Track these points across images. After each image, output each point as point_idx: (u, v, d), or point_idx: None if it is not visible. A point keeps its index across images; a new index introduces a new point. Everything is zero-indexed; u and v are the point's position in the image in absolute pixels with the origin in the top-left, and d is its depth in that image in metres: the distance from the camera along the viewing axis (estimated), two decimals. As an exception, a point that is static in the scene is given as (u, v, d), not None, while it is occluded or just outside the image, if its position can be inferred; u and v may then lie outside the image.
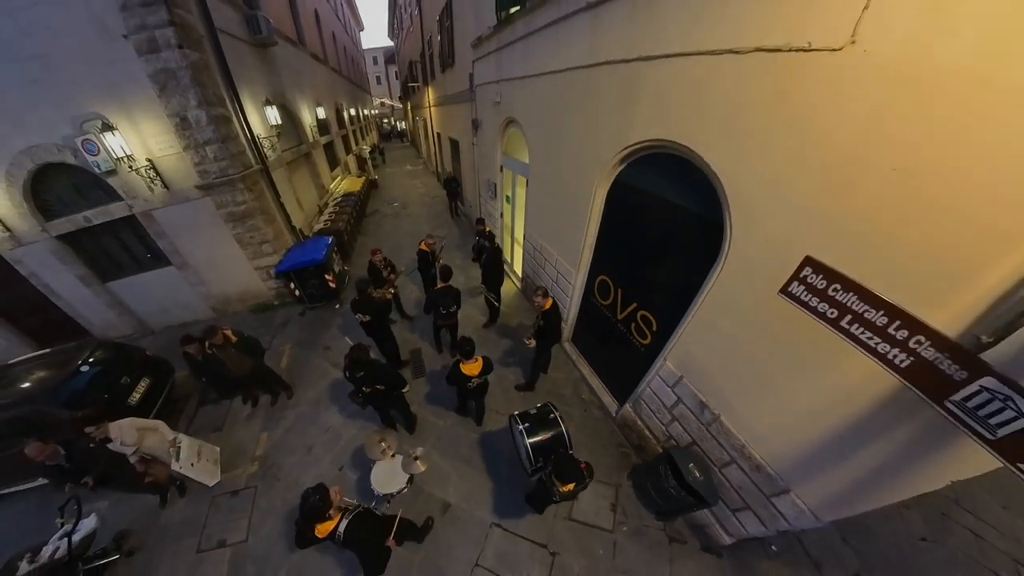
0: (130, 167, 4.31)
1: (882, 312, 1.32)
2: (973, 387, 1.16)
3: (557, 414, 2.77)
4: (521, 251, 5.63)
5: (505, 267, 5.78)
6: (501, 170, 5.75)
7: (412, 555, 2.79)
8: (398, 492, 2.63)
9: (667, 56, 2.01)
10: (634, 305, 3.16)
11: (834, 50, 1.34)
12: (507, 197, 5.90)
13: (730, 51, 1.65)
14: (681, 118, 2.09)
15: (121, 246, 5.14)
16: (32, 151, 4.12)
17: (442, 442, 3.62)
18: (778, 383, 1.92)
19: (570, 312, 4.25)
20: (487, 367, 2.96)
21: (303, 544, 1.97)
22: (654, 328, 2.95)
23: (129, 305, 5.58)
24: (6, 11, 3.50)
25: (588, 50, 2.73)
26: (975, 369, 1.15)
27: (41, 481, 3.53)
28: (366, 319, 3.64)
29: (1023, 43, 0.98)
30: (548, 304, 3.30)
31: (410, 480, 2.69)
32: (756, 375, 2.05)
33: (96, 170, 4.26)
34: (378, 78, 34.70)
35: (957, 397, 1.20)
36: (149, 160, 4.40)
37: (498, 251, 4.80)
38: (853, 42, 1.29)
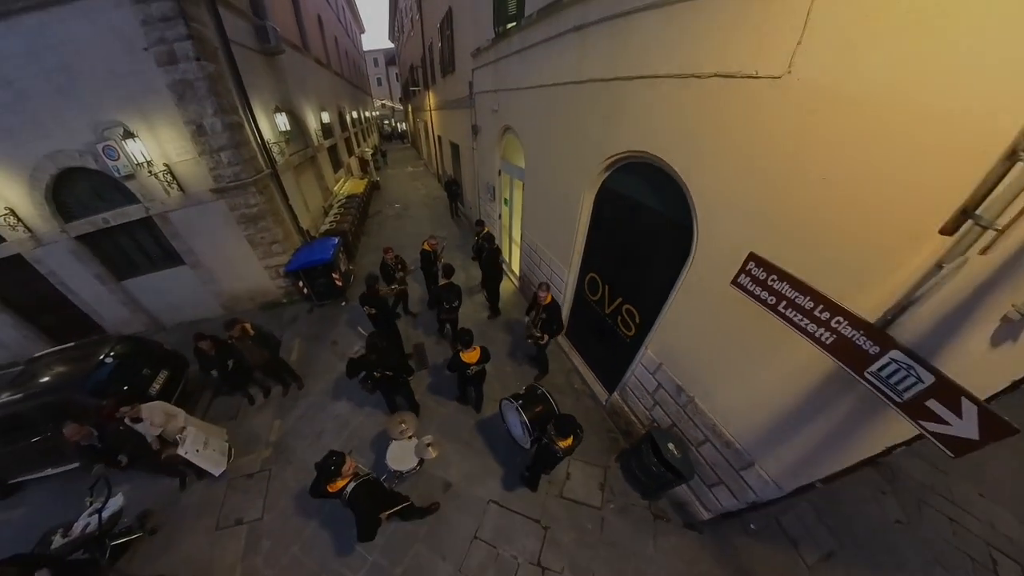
0: (150, 171, 4.56)
1: (808, 297, 1.58)
2: (885, 359, 1.41)
3: (543, 390, 3.02)
4: (518, 251, 5.88)
5: (504, 266, 6.03)
6: (499, 174, 6.00)
7: (417, 528, 3.03)
8: (408, 471, 2.88)
9: (642, 77, 2.27)
10: (620, 299, 3.42)
11: (775, 77, 1.59)
12: (505, 200, 6.15)
13: (693, 75, 1.91)
14: (654, 132, 2.36)
15: (137, 246, 5.40)
16: (55, 156, 4.36)
17: (444, 427, 3.87)
18: (739, 365, 2.17)
19: (563, 307, 4.50)
20: (484, 356, 3.22)
21: (316, 494, 2.26)
22: (637, 320, 3.21)
23: (142, 302, 5.83)
24: (35, 25, 3.74)
25: (576, 68, 2.99)
26: (885, 344, 1.40)
27: (51, 470, 3.76)
28: (372, 312, 3.90)
29: (913, 78, 1.23)
30: (548, 299, 3.55)
31: (420, 462, 2.94)
32: (721, 358, 2.31)
33: (116, 174, 4.51)
34: (379, 80, 34.95)
35: (874, 368, 1.45)
36: (166, 165, 4.66)
37: (497, 251, 5.05)
38: (790, 72, 1.55)
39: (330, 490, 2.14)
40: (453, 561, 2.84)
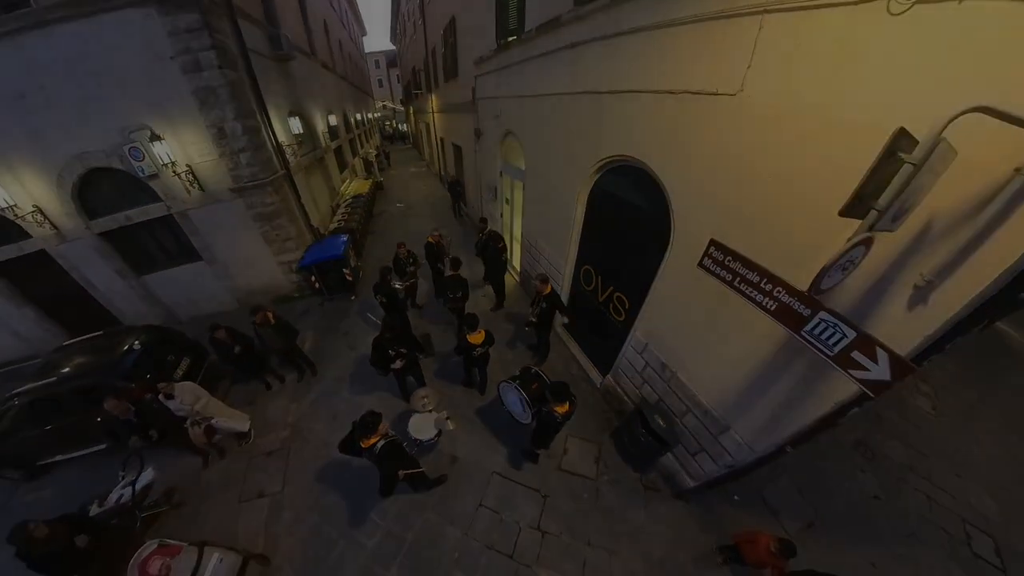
0: (173, 172, 4.85)
1: (755, 272, 1.92)
2: (816, 319, 1.74)
3: (536, 369, 3.33)
4: (519, 248, 6.21)
5: (505, 263, 6.32)
6: (501, 175, 6.33)
7: (427, 498, 3.32)
8: (428, 440, 3.17)
9: (627, 91, 2.63)
10: (611, 288, 3.75)
11: (731, 95, 1.93)
12: (506, 199, 6.47)
13: (667, 91, 2.25)
14: (637, 139, 2.72)
15: (156, 243, 5.66)
16: (82, 157, 4.61)
17: (451, 408, 4.11)
18: (711, 337, 2.50)
19: (561, 298, 4.81)
20: (489, 339, 3.53)
21: (344, 448, 2.56)
22: (627, 306, 3.54)
23: (160, 297, 6.08)
24: (68, 34, 4.01)
25: (570, 80, 3.35)
26: (815, 307, 1.73)
27: (79, 452, 4.00)
28: (383, 301, 4.22)
29: (831, 96, 1.56)
30: (547, 289, 3.85)
31: (439, 434, 3.23)
32: (696, 333, 2.64)
33: (140, 175, 4.77)
34: (380, 81, 35.14)
35: (807, 328, 1.78)
36: (188, 166, 4.94)
37: (503, 249, 5.30)
38: (742, 90, 1.89)
39: (363, 445, 2.44)
40: (460, 526, 3.12)
